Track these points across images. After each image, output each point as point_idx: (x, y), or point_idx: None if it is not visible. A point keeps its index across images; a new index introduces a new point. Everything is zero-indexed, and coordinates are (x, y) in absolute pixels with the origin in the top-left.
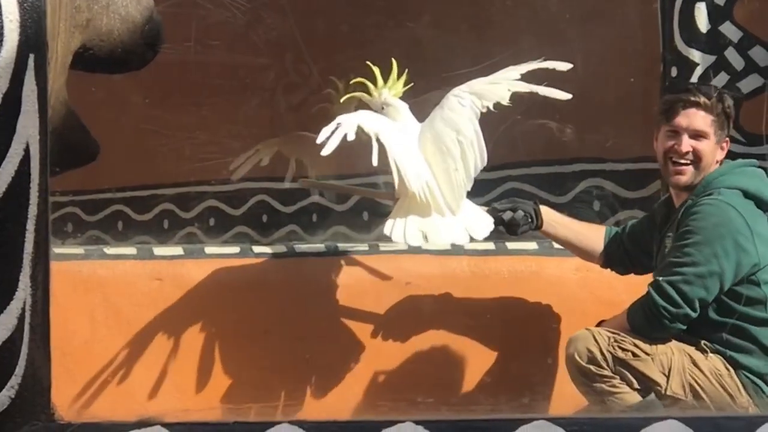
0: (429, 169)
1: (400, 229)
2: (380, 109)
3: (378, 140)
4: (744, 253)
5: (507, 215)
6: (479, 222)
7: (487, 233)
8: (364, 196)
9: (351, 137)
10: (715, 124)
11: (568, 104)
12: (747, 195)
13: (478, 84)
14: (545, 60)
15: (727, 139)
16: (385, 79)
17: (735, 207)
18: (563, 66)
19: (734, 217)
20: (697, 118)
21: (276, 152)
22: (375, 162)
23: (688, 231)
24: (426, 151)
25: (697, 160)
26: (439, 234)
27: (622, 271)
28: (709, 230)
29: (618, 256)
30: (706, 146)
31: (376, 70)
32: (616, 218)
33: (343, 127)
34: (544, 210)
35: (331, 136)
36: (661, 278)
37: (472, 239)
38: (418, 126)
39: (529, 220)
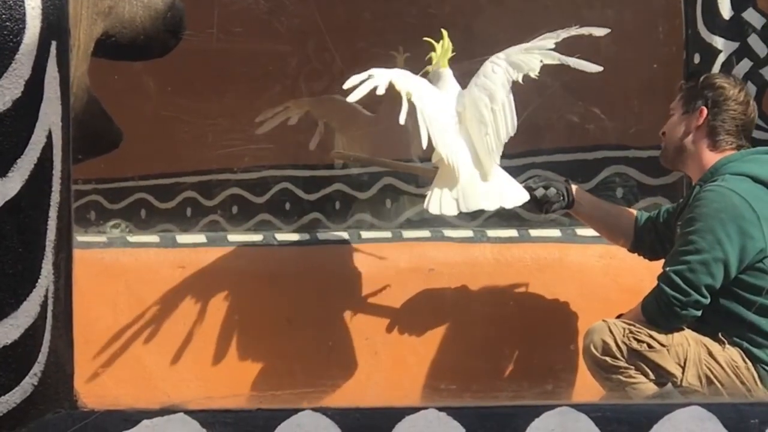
0: (466, 134)
1: (436, 202)
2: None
3: (410, 100)
4: (749, 239)
5: (539, 192)
6: (512, 191)
7: (518, 203)
8: (399, 170)
9: (381, 91)
10: (681, 99)
11: (591, 91)
12: (756, 180)
13: (515, 52)
14: (580, 27)
15: (701, 108)
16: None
17: (738, 192)
18: (600, 32)
19: (737, 202)
20: (673, 102)
21: (305, 113)
22: (402, 120)
23: (691, 218)
24: (464, 117)
25: (666, 134)
26: (473, 199)
27: (650, 255)
28: (711, 216)
29: (649, 241)
30: (671, 121)
31: (438, 46)
32: (639, 205)
33: (375, 79)
34: (575, 189)
35: (360, 85)
36: (668, 268)
37: (502, 207)
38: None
39: (561, 198)
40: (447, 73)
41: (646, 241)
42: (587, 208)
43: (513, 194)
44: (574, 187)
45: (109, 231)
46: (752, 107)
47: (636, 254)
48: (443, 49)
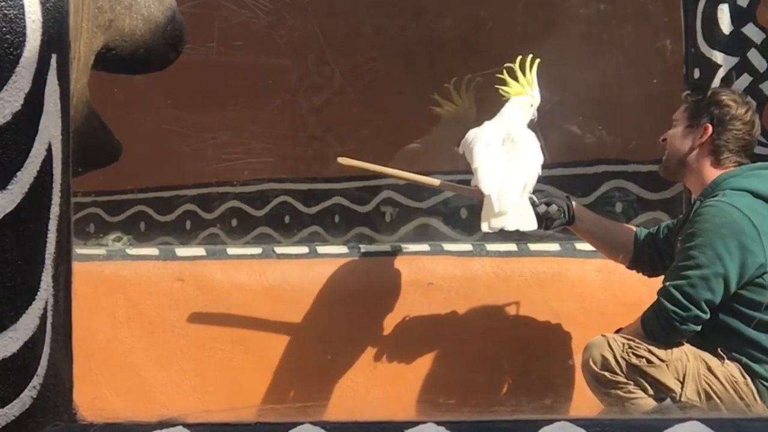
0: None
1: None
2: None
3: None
4: (749, 254)
5: (541, 209)
6: (527, 217)
7: (526, 229)
8: (404, 180)
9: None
10: (687, 111)
11: (591, 105)
12: (756, 196)
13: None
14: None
15: (706, 125)
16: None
17: (739, 208)
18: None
19: (738, 217)
20: (676, 112)
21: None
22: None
23: (692, 233)
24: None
25: (668, 143)
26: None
27: (649, 272)
28: (711, 232)
29: (648, 256)
30: (674, 131)
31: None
32: (638, 219)
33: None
34: (576, 206)
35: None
36: (668, 283)
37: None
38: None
39: (562, 214)
40: (512, 102)
41: (646, 256)
42: (587, 224)
43: (525, 220)
44: (574, 203)
45: (110, 244)
46: (757, 127)
47: (635, 271)
48: (513, 79)
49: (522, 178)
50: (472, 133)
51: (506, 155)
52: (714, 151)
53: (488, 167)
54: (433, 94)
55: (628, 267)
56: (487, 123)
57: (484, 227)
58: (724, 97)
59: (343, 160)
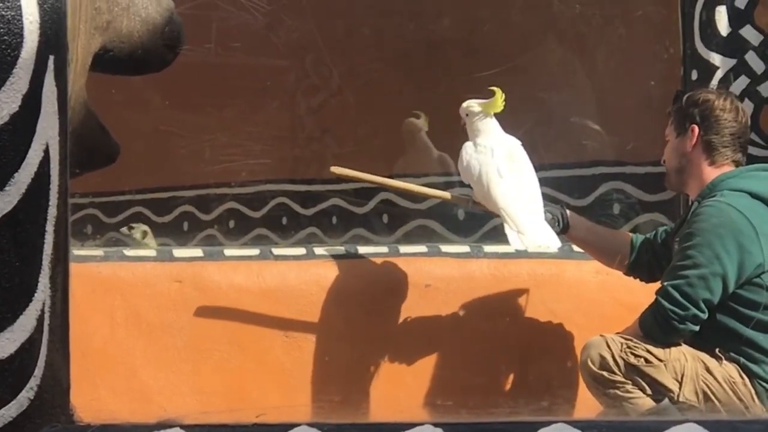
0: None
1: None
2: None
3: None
4: (747, 254)
5: None
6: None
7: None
8: (398, 190)
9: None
10: (672, 124)
11: (589, 107)
12: (754, 196)
13: None
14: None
15: (692, 126)
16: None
17: (737, 208)
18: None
19: (736, 217)
20: (666, 129)
21: None
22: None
23: (690, 233)
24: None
25: (666, 161)
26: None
27: (647, 277)
28: (709, 231)
29: (646, 261)
30: (668, 147)
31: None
32: (636, 221)
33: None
34: (570, 214)
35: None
36: (666, 282)
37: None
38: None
39: (557, 223)
40: (493, 123)
41: (644, 262)
42: (581, 232)
43: (550, 237)
44: (568, 211)
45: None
46: (741, 113)
47: (633, 277)
48: (494, 102)
49: (535, 196)
50: (474, 161)
51: (514, 175)
52: (707, 149)
53: (516, 207)
54: (431, 96)
55: (625, 273)
56: (480, 143)
57: (516, 245)
58: (700, 95)
59: (336, 169)
